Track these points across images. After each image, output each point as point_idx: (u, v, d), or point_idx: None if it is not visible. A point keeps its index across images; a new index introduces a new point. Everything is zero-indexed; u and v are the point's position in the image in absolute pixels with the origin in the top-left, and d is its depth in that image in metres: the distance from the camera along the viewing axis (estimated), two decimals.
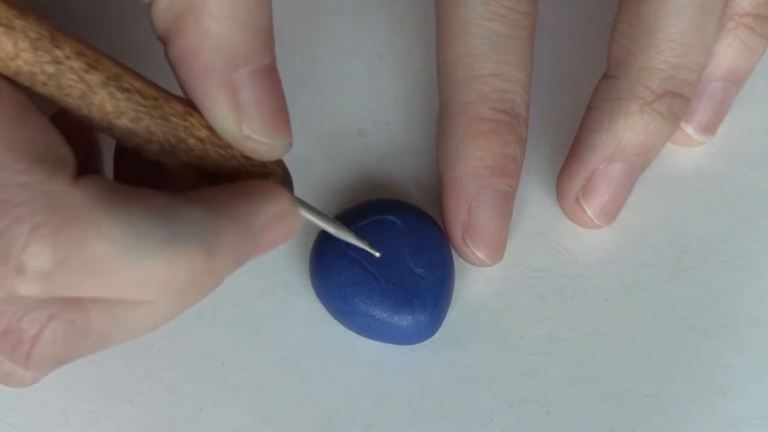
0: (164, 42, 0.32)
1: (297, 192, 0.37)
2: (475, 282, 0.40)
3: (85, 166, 0.31)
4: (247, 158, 0.33)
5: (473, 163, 0.38)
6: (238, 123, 0.32)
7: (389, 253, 0.38)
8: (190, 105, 0.32)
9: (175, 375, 0.38)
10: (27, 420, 0.37)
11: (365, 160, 0.42)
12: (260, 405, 0.38)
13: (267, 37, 0.32)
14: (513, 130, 0.39)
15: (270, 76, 0.32)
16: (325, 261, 0.38)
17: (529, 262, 0.40)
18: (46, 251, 0.28)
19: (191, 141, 0.32)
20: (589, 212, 0.40)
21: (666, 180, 0.42)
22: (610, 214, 0.40)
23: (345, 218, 0.39)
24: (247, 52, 0.31)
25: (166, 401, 0.38)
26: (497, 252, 0.39)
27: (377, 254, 0.37)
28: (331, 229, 0.36)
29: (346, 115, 0.43)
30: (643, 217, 0.41)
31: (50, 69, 0.30)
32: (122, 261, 0.29)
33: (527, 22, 0.39)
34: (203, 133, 0.32)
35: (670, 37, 0.38)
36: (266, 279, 0.40)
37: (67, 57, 0.30)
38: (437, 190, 0.40)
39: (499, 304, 0.40)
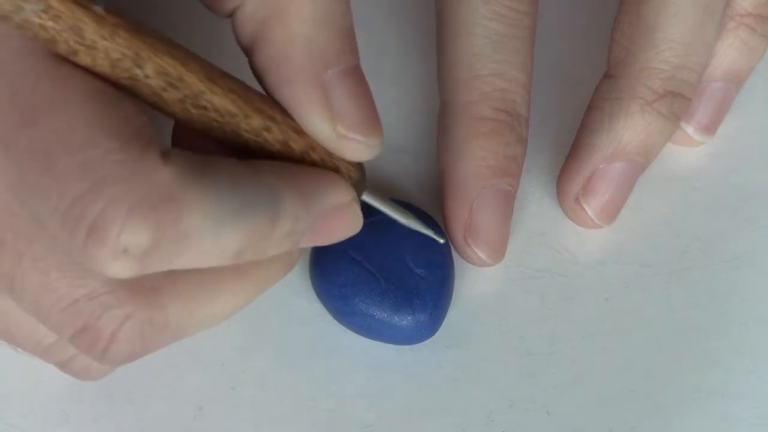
0: (249, 50, 0.32)
1: None
2: (475, 282, 0.40)
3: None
4: (325, 158, 0.33)
5: (475, 163, 0.38)
6: (333, 123, 0.31)
7: (389, 253, 0.38)
8: (275, 110, 0.32)
9: (175, 375, 0.38)
10: (27, 420, 0.37)
11: (365, 160, 0.42)
12: (260, 405, 0.38)
13: (351, 37, 0.32)
14: (514, 129, 0.39)
15: (359, 75, 0.32)
16: (325, 261, 0.38)
17: (529, 262, 0.40)
18: (145, 231, 0.28)
19: (264, 144, 0.32)
20: (590, 212, 0.40)
21: (666, 180, 0.42)
22: (611, 214, 0.40)
23: None
24: (335, 52, 0.31)
25: (166, 401, 0.38)
26: (498, 252, 0.39)
27: (441, 240, 0.37)
28: (402, 220, 0.36)
29: None
30: (643, 217, 0.41)
31: (126, 83, 0.30)
32: (207, 233, 0.29)
33: (528, 22, 0.39)
34: (276, 147, 0.32)
35: (670, 37, 0.38)
36: None
37: (147, 76, 0.30)
38: (437, 190, 0.40)
39: (499, 304, 0.40)
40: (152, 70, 0.30)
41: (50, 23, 0.29)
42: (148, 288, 0.31)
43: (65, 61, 0.29)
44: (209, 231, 0.29)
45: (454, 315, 0.39)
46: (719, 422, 0.38)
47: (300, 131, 0.32)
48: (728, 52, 0.41)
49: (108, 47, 0.29)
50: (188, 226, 0.29)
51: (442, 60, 0.40)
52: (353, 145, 0.32)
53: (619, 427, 0.38)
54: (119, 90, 0.30)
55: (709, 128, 0.42)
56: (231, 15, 0.32)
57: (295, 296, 0.39)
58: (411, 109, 0.43)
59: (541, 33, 0.40)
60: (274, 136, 0.32)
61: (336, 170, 0.33)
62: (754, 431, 0.38)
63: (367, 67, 0.44)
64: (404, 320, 0.38)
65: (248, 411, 0.38)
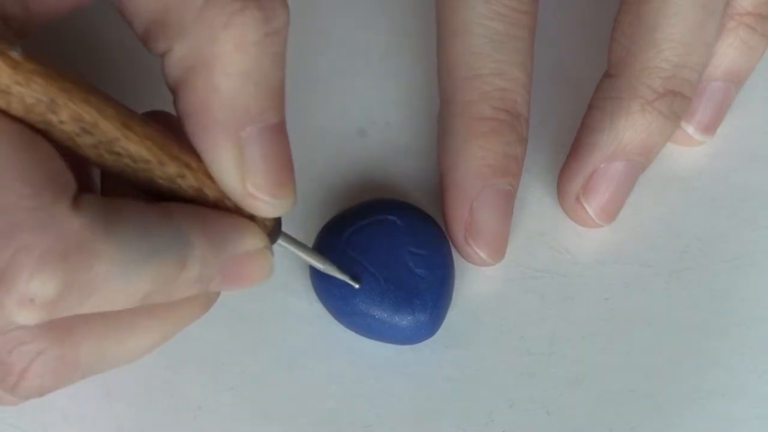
0: (173, 92, 0.31)
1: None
2: (475, 282, 0.40)
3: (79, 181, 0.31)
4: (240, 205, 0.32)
5: (475, 163, 0.38)
6: (243, 180, 0.31)
7: (389, 253, 0.38)
8: (191, 156, 0.31)
9: (175, 375, 0.38)
10: (27, 420, 0.37)
11: (365, 160, 0.42)
12: (260, 405, 0.38)
13: (278, 95, 0.31)
14: (514, 129, 0.39)
15: (278, 134, 0.31)
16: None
17: (529, 262, 0.40)
18: (54, 280, 0.28)
19: (178, 190, 0.32)
20: (590, 211, 0.40)
21: (666, 180, 0.42)
22: (611, 214, 0.40)
23: (345, 218, 0.39)
24: (257, 110, 0.31)
25: (166, 401, 0.38)
26: (499, 251, 0.39)
27: (356, 285, 0.37)
28: (319, 265, 0.37)
29: (346, 115, 0.43)
30: (643, 217, 0.41)
31: (40, 126, 0.29)
32: (116, 279, 0.29)
33: (528, 22, 0.39)
34: (190, 193, 0.32)
35: (670, 37, 0.38)
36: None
37: (61, 122, 0.29)
38: (437, 190, 0.40)
39: (499, 304, 0.40)
40: (66, 116, 0.29)
41: None
42: (59, 325, 0.31)
43: None
44: (118, 277, 0.29)
45: (454, 315, 0.39)
46: (719, 422, 0.38)
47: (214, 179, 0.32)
48: (728, 52, 0.41)
49: (23, 92, 0.29)
50: (97, 274, 0.29)
51: (442, 59, 0.40)
52: (260, 204, 0.32)
53: (619, 427, 0.38)
54: (34, 132, 0.30)
55: (709, 128, 0.42)
56: (162, 55, 0.31)
57: (295, 296, 0.39)
58: (411, 109, 0.43)
59: (541, 32, 0.40)
60: (188, 183, 0.31)
61: (251, 217, 0.32)
62: (754, 431, 0.38)
63: (368, 67, 0.44)
64: (404, 320, 0.38)
65: (248, 411, 0.38)
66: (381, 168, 0.42)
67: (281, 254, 0.40)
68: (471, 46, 0.39)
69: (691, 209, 0.42)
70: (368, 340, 0.39)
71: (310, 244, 0.39)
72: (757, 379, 0.39)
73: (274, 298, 0.39)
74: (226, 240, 0.32)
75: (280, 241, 0.34)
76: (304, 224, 0.40)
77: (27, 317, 0.29)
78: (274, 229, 0.33)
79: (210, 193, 0.32)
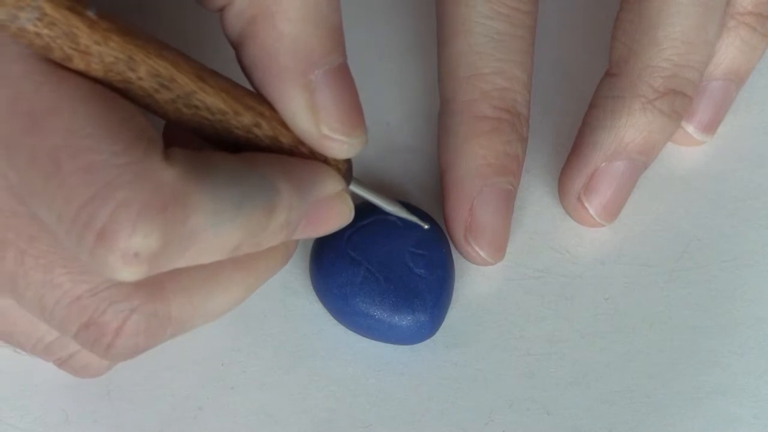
0: (237, 46, 0.32)
1: None
2: (475, 282, 0.40)
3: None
4: (314, 150, 0.33)
5: (475, 162, 0.38)
6: (317, 123, 0.32)
7: (389, 253, 0.38)
8: (263, 105, 0.32)
9: (175, 375, 0.38)
10: (27, 420, 0.37)
11: (365, 160, 0.42)
12: (260, 405, 0.38)
13: (339, 37, 0.32)
14: (515, 128, 0.39)
15: (344, 75, 0.32)
16: (325, 261, 0.38)
17: (529, 262, 0.40)
18: (154, 233, 0.28)
19: (255, 140, 0.32)
20: (591, 210, 0.40)
21: (666, 180, 0.42)
22: (612, 213, 0.40)
23: None
24: (322, 52, 0.31)
25: (166, 401, 0.38)
26: (499, 250, 0.39)
27: (426, 226, 0.38)
28: (390, 208, 0.37)
29: None
30: (643, 217, 0.41)
31: (119, 85, 0.30)
32: (211, 229, 0.29)
33: (529, 21, 0.39)
34: (266, 142, 0.32)
35: (672, 36, 0.38)
36: None
37: (140, 78, 0.30)
38: (437, 190, 0.40)
39: (499, 304, 0.40)
40: (145, 72, 0.30)
41: (45, 31, 0.29)
42: (151, 282, 0.31)
43: (61, 66, 0.30)
44: (212, 227, 0.29)
45: (454, 315, 0.39)
46: (719, 422, 0.38)
47: (288, 126, 0.32)
48: (729, 51, 0.41)
49: (101, 51, 0.29)
50: (194, 225, 0.29)
51: (442, 59, 0.40)
52: (336, 145, 0.32)
53: (619, 427, 0.38)
54: (115, 92, 0.30)
55: (710, 127, 0.42)
56: (221, 10, 0.32)
57: (295, 296, 0.39)
58: (411, 108, 0.43)
59: (542, 32, 0.40)
60: (263, 131, 0.32)
61: (325, 161, 0.33)
62: (753, 431, 0.38)
63: (368, 67, 0.44)
64: (404, 320, 0.38)
65: (248, 411, 0.38)
66: (381, 168, 0.42)
67: None
68: (471, 46, 0.39)
69: (691, 209, 0.42)
70: (368, 340, 0.39)
71: (310, 245, 0.39)
72: (756, 379, 0.39)
73: (274, 298, 0.39)
74: (309, 185, 0.32)
75: (352, 186, 0.35)
76: None
77: (131, 273, 0.29)
78: (346, 173, 0.34)
79: (285, 140, 0.32)
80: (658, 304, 0.40)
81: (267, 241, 0.31)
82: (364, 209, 0.39)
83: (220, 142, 0.32)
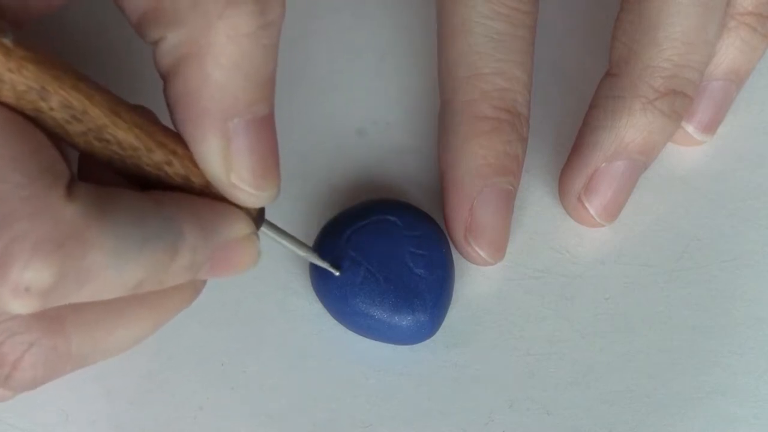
0: (164, 81, 0.31)
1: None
2: (475, 282, 0.40)
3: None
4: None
5: (475, 162, 0.38)
6: (227, 170, 0.31)
7: (389, 253, 0.38)
8: (177, 143, 0.32)
9: (175, 375, 0.38)
10: (27, 420, 0.37)
11: (365, 160, 0.42)
12: (260, 405, 0.38)
13: (268, 88, 0.31)
14: (515, 128, 0.39)
15: (266, 126, 0.31)
16: (325, 261, 0.38)
17: (529, 262, 0.40)
18: (49, 268, 0.28)
19: (165, 178, 0.32)
20: (592, 210, 0.40)
21: (666, 180, 0.42)
22: (612, 213, 0.40)
23: (345, 218, 0.39)
24: (246, 102, 0.31)
25: (166, 401, 0.38)
26: (499, 250, 0.39)
27: (336, 273, 0.38)
28: (300, 252, 0.37)
29: (346, 115, 0.43)
30: (643, 217, 0.41)
31: (30, 113, 0.30)
32: (110, 268, 0.29)
33: (529, 21, 0.39)
34: (177, 180, 0.32)
35: (672, 36, 0.38)
36: (266, 279, 0.40)
37: (51, 109, 0.30)
38: (437, 190, 0.40)
39: (499, 304, 0.40)
40: (57, 103, 0.30)
41: None
42: (51, 314, 0.31)
43: None
44: (111, 266, 0.29)
45: (454, 315, 0.39)
46: (719, 422, 0.38)
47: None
48: (729, 51, 0.41)
49: (14, 79, 0.29)
50: (92, 262, 0.29)
51: (442, 59, 0.40)
52: (243, 195, 0.32)
53: (619, 427, 0.38)
54: (26, 120, 0.30)
55: (710, 127, 0.42)
56: (155, 44, 0.31)
57: (295, 296, 0.39)
58: (411, 109, 0.43)
59: (542, 32, 0.40)
60: (174, 170, 0.32)
61: (237, 205, 0.33)
62: (753, 431, 0.38)
63: (368, 67, 0.44)
64: (404, 320, 0.38)
65: (248, 411, 0.38)
66: (381, 168, 0.42)
67: (282, 254, 0.40)
68: (472, 46, 0.39)
69: (691, 209, 0.42)
70: (368, 340, 0.39)
71: (311, 244, 0.39)
72: (756, 379, 0.39)
73: (274, 298, 0.39)
74: (216, 227, 0.32)
75: (263, 228, 0.34)
76: (304, 224, 0.40)
77: (22, 306, 0.29)
78: (258, 216, 0.33)
79: (196, 180, 0.32)
80: (658, 304, 0.40)
81: (170, 281, 0.31)
82: (364, 209, 0.39)
83: (132, 176, 0.32)
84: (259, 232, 0.34)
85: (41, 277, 0.28)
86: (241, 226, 0.32)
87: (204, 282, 0.34)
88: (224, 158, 0.31)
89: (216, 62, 0.30)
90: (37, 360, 0.31)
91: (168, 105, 0.31)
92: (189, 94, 0.31)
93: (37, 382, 0.32)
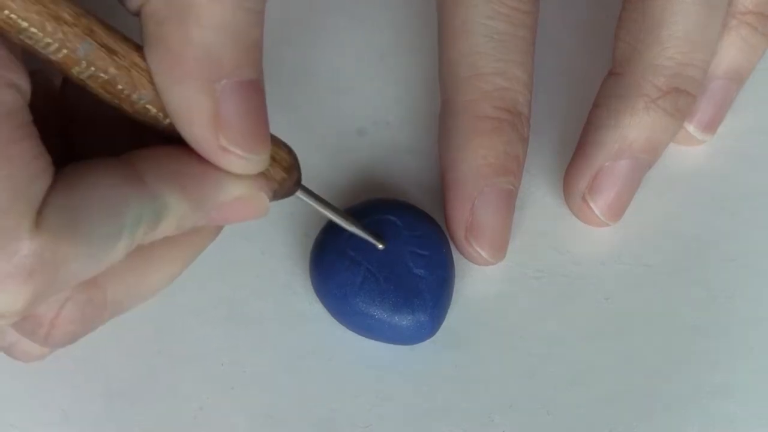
0: (147, 47, 0.31)
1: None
2: (475, 282, 0.40)
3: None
4: None
5: (476, 162, 0.38)
6: (215, 132, 0.30)
7: (389, 253, 0.38)
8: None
9: (175, 375, 0.38)
10: (27, 420, 0.37)
11: (365, 160, 0.42)
12: (260, 405, 0.38)
13: (254, 52, 0.31)
14: (515, 128, 0.39)
15: (254, 91, 0.31)
16: (325, 261, 0.38)
17: (529, 262, 0.40)
18: (19, 295, 0.28)
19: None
20: (596, 210, 0.40)
21: (666, 180, 0.42)
22: (617, 212, 0.40)
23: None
24: (232, 64, 0.30)
25: (166, 401, 0.38)
26: (500, 250, 0.39)
27: (380, 246, 0.38)
28: (338, 220, 0.37)
29: (346, 115, 0.43)
30: (643, 217, 0.41)
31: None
32: (89, 265, 0.29)
33: (529, 21, 0.39)
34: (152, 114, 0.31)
35: (675, 34, 0.38)
36: (266, 279, 0.40)
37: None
38: (437, 190, 0.40)
39: (499, 304, 0.40)
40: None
41: None
42: None
43: None
44: (89, 264, 0.29)
45: (454, 315, 0.39)
46: (719, 422, 0.38)
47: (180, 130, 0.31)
48: (729, 51, 0.41)
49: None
50: (67, 272, 0.29)
51: (443, 59, 0.40)
52: (233, 159, 0.31)
53: (619, 427, 0.38)
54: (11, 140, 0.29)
55: (710, 126, 0.42)
56: (138, 13, 0.31)
57: (295, 296, 0.39)
58: (411, 108, 0.43)
59: (543, 32, 0.40)
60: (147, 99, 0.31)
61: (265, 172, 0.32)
62: (753, 431, 0.38)
63: (368, 67, 0.44)
64: (404, 320, 0.38)
65: (248, 411, 0.38)
66: (381, 168, 0.42)
67: (282, 254, 0.40)
68: (472, 46, 0.39)
69: (691, 209, 0.42)
70: (368, 340, 0.39)
71: (310, 245, 0.39)
72: (757, 379, 0.39)
73: (274, 298, 0.39)
74: (204, 194, 0.31)
75: (298, 194, 0.34)
76: (304, 224, 0.40)
77: (3, 322, 0.29)
78: (289, 181, 0.33)
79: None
80: (658, 304, 0.40)
81: (164, 235, 0.31)
82: (364, 209, 0.39)
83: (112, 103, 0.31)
84: (296, 197, 0.34)
85: (14, 302, 0.28)
86: (233, 188, 0.32)
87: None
88: (212, 119, 0.30)
89: (199, 23, 0.30)
90: (74, 315, 0.31)
91: (152, 72, 0.31)
92: (172, 56, 0.30)
93: (77, 335, 0.32)
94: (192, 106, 0.30)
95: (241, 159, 0.31)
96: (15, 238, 0.28)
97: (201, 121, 0.30)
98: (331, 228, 0.39)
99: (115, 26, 0.31)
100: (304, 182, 0.35)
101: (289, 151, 0.34)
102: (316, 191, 0.36)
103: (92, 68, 0.30)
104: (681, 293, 0.40)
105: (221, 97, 0.30)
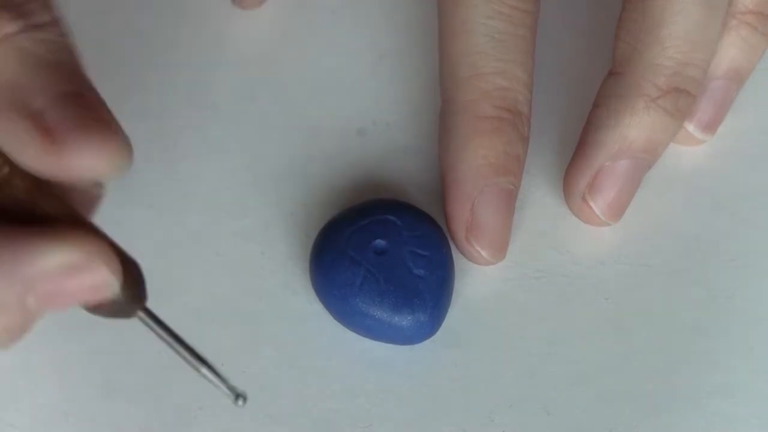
0: None
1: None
2: (475, 282, 0.40)
3: None
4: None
5: (476, 162, 0.38)
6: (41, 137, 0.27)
7: (389, 253, 0.38)
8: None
9: (175, 375, 0.38)
10: (27, 420, 0.37)
11: (365, 160, 0.42)
12: (260, 405, 0.38)
13: (65, 71, 0.29)
14: (516, 128, 0.39)
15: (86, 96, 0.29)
16: (325, 261, 0.38)
17: (529, 262, 0.40)
18: None
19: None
20: (596, 210, 0.40)
21: (666, 180, 0.42)
22: (617, 212, 0.40)
23: (345, 218, 0.39)
24: (38, 85, 0.28)
25: (166, 401, 0.38)
26: (500, 250, 0.39)
27: (239, 402, 0.33)
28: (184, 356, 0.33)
29: (346, 115, 0.43)
30: (643, 217, 0.41)
31: None
32: None
33: (530, 21, 0.39)
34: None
35: (675, 34, 0.38)
36: (266, 279, 0.40)
37: None
38: (437, 190, 0.40)
39: (499, 304, 0.40)
40: None
41: None
42: None
43: None
44: None
45: (454, 315, 0.39)
46: (719, 422, 0.38)
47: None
48: (729, 50, 0.41)
49: None
50: None
51: (443, 58, 0.40)
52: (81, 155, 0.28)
53: (619, 427, 0.38)
54: None
55: (710, 126, 0.42)
56: None
57: (295, 296, 0.39)
58: (411, 109, 0.43)
59: (543, 31, 0.40)
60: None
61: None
62: (753, 431, 0.38)
63: (368, 67, 0.44)
64: (404, 320, 0.38)
65: (248, 411, 0.38)
66: (381, 168, 0.42)
67: (282, 254, 0.40)
68: (472, 45, 0.39)
69: (691, 209, 0.42)
70: (368, 340, 0.39)
71: (311, 241, 0.39)
72: (757, 379, 0.39)
73: (274, 298, 0.39)
74: (18, 258, 0.27)
75: (140, 315, 0.30)
76: (304, 224, 0.40)
77: None
78: (132, 292, 0.29)
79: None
80: (658, 304, 0.40)
81: None
82: (364, 209, 0.39)
83: None
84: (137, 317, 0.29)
85: None
86: (54, 256, 0.27)
87: (32, 322, 0.28)
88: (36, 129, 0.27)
89: None
90: None
91: None
92: None
93: None
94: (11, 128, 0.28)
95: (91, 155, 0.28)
96: None
97: (22, 135, 0.28)
98: (331, 228, 0.39)
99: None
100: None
101: (137, 265, 0.30)
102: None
103: None
104: (681, 293, 0.40)
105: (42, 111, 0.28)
